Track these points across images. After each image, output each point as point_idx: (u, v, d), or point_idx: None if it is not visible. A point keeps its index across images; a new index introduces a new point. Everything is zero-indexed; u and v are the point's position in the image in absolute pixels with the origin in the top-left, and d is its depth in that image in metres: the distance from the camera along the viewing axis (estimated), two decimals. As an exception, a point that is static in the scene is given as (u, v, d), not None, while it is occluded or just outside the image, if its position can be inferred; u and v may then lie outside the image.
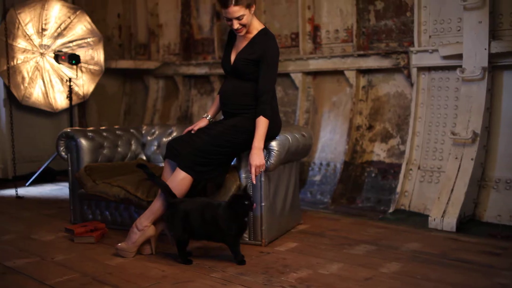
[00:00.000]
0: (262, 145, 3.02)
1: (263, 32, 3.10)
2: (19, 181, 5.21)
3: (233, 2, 2.93)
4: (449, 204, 3.58)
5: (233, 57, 3.15)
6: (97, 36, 5.81)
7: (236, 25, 3.01)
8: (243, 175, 3.19)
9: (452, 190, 3.62)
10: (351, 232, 3.52)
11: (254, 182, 3.03)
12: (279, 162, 3.15)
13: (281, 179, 3.39)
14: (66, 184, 5.31)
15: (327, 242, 3.29)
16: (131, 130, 4.18)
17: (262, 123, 3.01)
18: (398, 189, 4.04)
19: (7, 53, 4.98)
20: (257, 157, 2.99)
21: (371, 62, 4.44)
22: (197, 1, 5.85)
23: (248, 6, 2.99)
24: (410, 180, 4.06)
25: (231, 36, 3.25)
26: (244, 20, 3.00)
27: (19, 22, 5.35)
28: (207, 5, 5.76)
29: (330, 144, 4.72)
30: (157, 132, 4.17)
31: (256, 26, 3.11)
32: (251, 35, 3.11)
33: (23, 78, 5.44)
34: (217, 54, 5.63)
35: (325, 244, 3.23)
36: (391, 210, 3.98)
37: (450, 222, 3.51)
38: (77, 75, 5.55)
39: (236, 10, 2.95)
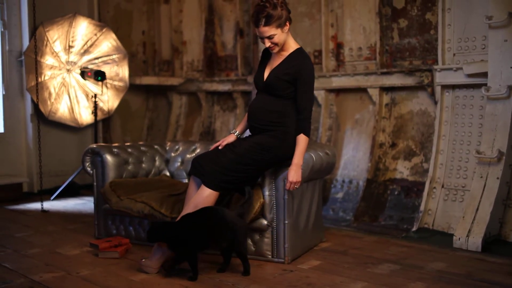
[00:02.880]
0: (301, 162, 3.07)
1: (299, 51, 3.16)
2: (44, 195, 5.29)
3: (263, 23, 2.99)
4: (474, 223, 3.54)
5: (266, 74, 3.20)
6: (122, 52, 5.91)
7: (267, 43, 3.07)
8: (266, 193, 3.20)
9: (477, 209, 3.58)
10: (374, 250, 3.50)
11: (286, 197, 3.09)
12: (303, 180, 3.15)
13: (305, 196, 3.40)
14: (90, 199, 5.39)
15: (350, 260, 3.27)
16: (155, 146, 4.23)
17: (302, 141, 3.07)
18: (422, 207, 4.00)
19: (36, 70, 5.10)
20: (294, 174, 3.03)
21: (395, 80, 4.44)
22: (221, 19, 5.92)
23: (279, 26, 3.04)
24: (433, 198, 4.02)
25: (266, 54, 3.30)
26: (275, 39, 3.05)
27: (47, 40, 5.47)
28: (230, 23, 5.82)
29: (353, 161, 4.71)
30: (181, 149, 4.21)
31: (292, 45, 3.16)
32: (286, 53, 3.16)
33: (49, 93, 5.55)
34: (240, 71, 5.68)
35: (348, 263, 3.22)
36: (414, 229, 3.94)
37: (476, 242, 3.46)
38: (102, 91, 5.65)
39: (266, 30, 3.01)
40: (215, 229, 2.88)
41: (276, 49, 3.11)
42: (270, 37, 3.04)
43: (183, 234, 2.88)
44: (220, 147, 3.19)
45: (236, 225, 2.90)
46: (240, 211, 3.00)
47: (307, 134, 3.09)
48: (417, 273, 3.00)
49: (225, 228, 2.88)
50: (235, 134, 3.30)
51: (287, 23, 3.09)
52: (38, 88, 5.33)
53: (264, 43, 3.10)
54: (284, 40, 3.11)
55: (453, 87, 4.09)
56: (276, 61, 3.19)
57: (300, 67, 3.09)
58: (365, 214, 4.36)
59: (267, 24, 3.00)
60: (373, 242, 3.73)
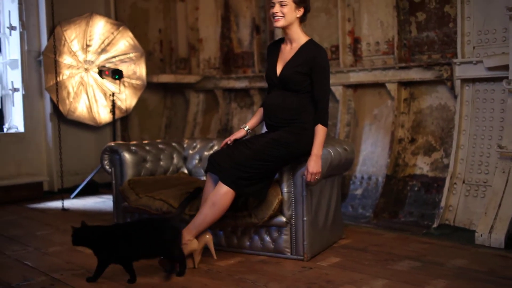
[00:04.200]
0: (320, 153, 3.05)
1: (311, 42, 3.15)
2: (64, 193, 5.34)
3: None
4: (497, 219, 3.48)
5: (279, 69, 3.17)
6: (139, 51, 5.94)
7: (276, 8, 3.04)
8: (285, 189, 3.18)
9: (499, 205, 3.52)
10: (394, 247, 3.46)
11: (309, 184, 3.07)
12: (322, 176, 3.12)
13: (323, 193, 3.37)
14: (109, 197, 5.43)
15: (370, 257, 3.24)
16: (173, 144, 4.23)
17: (320, 131, 3.05)
18: (442, 203, 3.95)
19: (56, 70, 5.13)
20: (314, 164, 3.02)
21: (413, 74, 4.38)
22: (237, 16, 5.91)
23: (295, 2, 3.04)
24: (454, 194, 3.97)
25: (272, 48, 3.28)
26: (285, 10, 3.04)
27: (65, 39, 5.52)
28: (247, 20, 5.81)
29: (372, 157, 4.67)
30: (198, 146, 4.21)
31: (302, 37, 3.15)
32: (297, 46, 3.13)
33: (68, 93, 5.60)
34: (257, 67, 5.66)
35: (368, 260, 3.19)
36: (435, 225, 3.89)
37: (498, 238, 3.41)
38: (120, 89, 5.68)
39: None
40: (150, 241, 2.84)
41: (281, 21, 3.06)
42: (282, 4, 3.02)
43: (116, 241, 2.82)
44: (229, 142, 3.19)
45: (169, 233, 2.87)
46: (180, 209, 3.00)
47: (325, 124, 3.07)
48: (438, 270, 2.96)
49: (160, 239, 2.84)
50: (245, 129, 3.29)
51: (302, 9, 3.08)
52: (57, 88, 5.38)
53: (272, 8, 3.06)
54: (292, 20, 3.08)
55: (473, 80, 4.02)
56: (288, 55, 3.16)
57: (315, 56, 3.07)
58: (384, 211, 4.32)
59: None
60: (393, 239, 3.69)
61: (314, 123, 3.08)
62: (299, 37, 3.14)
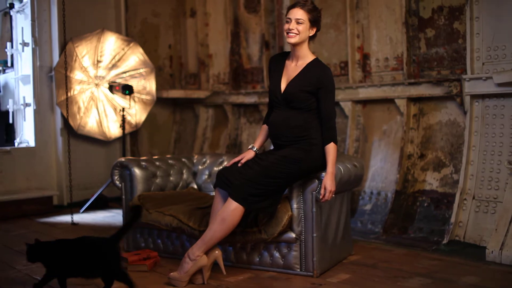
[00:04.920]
0: (334, 171, 3.08)
1: (317, 61, 3.17)
2: (74, 207, 5.37)
3: (303, 6, 3.07)
4: (508, 236, 3.45)
5: (283, 85, 3.18)
6: (149, 66, 5.99)
7: (293, 25, 3.07)
8: (294, 206, 3.18)
9: (510, 221, 3.50)
10: (404, 263, 3.44)
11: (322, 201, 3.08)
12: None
13: (333, 209, 3.37)
14: (118, 211, 5.44)
15: (380, 274, 3.23)
16: (183, 159, 4.25)
17: (332, 149, 3.09)
18: (452, 219, 3.93)
19: (66, 85, 5.19)
20: (331, 182, 3.05)
21: (422, 90, 4.39)
22: (247, 32, 5.96)
23: (311, 20, 3.09)
24: (464, 210, 3.95)
25: (274, 64, 3.29)
26: (301, 28, 3.07)
27: (77, 55, 5.58)
28: (256, 35, 5.85)
29: (381, 173, 4.66)
30: (208, 161, 4.23)
31: (309, 56, 3.17)
32: (303, 63, 3.16)
33: (79, 108, 5.65)
34: (266, 83, 5.69)
35: (378, 277, 3.17)
36: (445, 241, 3.87)
37: (509, 255, 3.38)
38: (130, 104, 5.72)
39: (301, 14, 3.06)
40: (84, 260, 2.79)
41: (295, 38, 3.09)
42: (298, 21, 3.06)
43: (53, 257, 2.81)
44: (239, 164, 3.17)
45: (106, 254, 2.80)
46: (120, 233, 2.88)
47: (335, 141, 3.11)
48: (449, 287, 2.94)
49: (94, 259, 2.79)
50: (254, 150, 3.28)
51: (314, 29, 3.12)
52: (68, 103, 5.43)
53: (288, 24, 3.09)
54: (305, 38, 3.12)
55: (483, 96, 4.02)
56: (292, 72, 3.18)
57: (322, 76, 3.09)
58: (394, 227, 4.30)
59: (306, 9, 3.07)
60: (403, 255, 3.67)
61: (324, 141, 3.10)
62: (306, 55, 3.17)
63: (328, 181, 3.04)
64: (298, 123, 3.12)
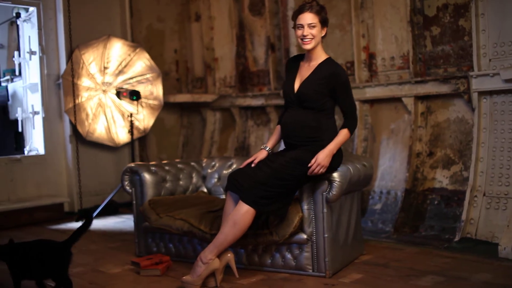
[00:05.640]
0: (334, 151, 3.08)
1: (329, 60, 3.20)
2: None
3: (311, 9, 3.07)
4: (520, 232, 3.45)
5: (297, 85, 3.20)
6: (155, 72, 6.01)
7: (306, 31, 3.08)
8: (305, 207, 3.19)
9: (521, 217, 3.50)
10: (416, 262, 3.44)
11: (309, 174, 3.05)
12: (341, 193, 3.13)
13: (343, 209, 3.38)
14: (129, 217, 5.47)
15: (392, 273, 3.22)
16: (192, 163, 4.27)
17: (343, 133, 3.12)
18: (463, 216, 3.92)
19: (74, 92, 5.22)
20: (324, 157, 3.04)
21: (429, 88, 4.39)
22: (252, 34, 5.97)
23: (322, 22, 3.11)
24: (475, 207, 3.94)
25: (291, 65, 3.32)
26: (314, 32, 3.09)
27: (83, 62, 5.61)
28: (261, 38, 5.86)
29: (390, 172, 4.66)
30: (217, 165, 4.24)
31: (322, 55, 3.20)
32: (316, 63, 3.17)
33: (87, 114, 5.68)
34: (272, 85, 5.70)
35: (390, 276, 3.17)
36: (456, 239, 3.86)
37: (522, 251, 3.37)
38: (137, 110, 5.75)
39: (311, 17, 3.08)
40: (36, 262, 2.87)
41: (311, 43, 3.11)
42: (311, 25, 3.07)
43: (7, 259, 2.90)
44: (252, 165, 3.19)
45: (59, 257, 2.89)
46: (74, 237, 2.95)
47: (350, 130, 3.13)
48: (463, 285, 2.94)
49: (46, 262, 2.87)
50: (266, 149, 3.30)
51: (325, 29, 3.15)
52: (76, 110, 5.47)
53: (302, 32, 3.10)
54: (319, 41, 3.14)
55: (491, 93, 4.01)
56: (305, 72, 3.20)
57: (333, 74, 3.11)
58: (405, 225, 4.30)
59: (315, 12, 3.08)
60: (415, 254, 3.67)
61: (340, 128, 3.14)
62: (319, 56, 3.19)
63: (322, 154, 3.04)
64: (310, 123, 3.13)
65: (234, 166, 4.12)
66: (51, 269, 2.86)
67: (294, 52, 5.29)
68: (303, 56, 3.29)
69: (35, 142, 5.93)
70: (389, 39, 4.73)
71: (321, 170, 3.03)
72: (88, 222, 3.03)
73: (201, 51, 6.57)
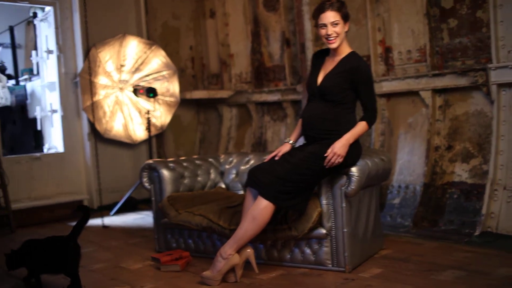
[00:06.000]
0: (351, 141, 3.07)
1: (352, 53, 3.19)
2: (104, 210, 5.45)
3: (333, 7, 3.06)
4: (541, 225, 3.41)
5: (320, 79, 3.21)
6: (171, 69, 6.04)
7: (330, 30, 3.08)
8: (324, 202, 3.19)
9: (543, 210, 3.46)
10: (436, 256, 3.42)
11: (326, 165, 3.03)
12: (360, 187, 3.13)
13: (362, 204, 3.37)
14: (148, 213, 5.51)
15: (412, 267, 3.21)
16: (210, 159, 4.29)
17: (361, 125, 3.13)
18: (484, 210, 3.89)
19: (91, 90, 5.26)
20: (341, 146, 3.03)
21: (447, 81, 4.35)
22: (267, 30, 5.97)
23: (344, 18, 3.10)
24: (496, 201, 3.90)
25: (316, 59, 3.33)
26: (338, 29, 3.09)
27: (100, 60, 5.66)
28: (276, 33, 5.86)
29: (408, 166, 4.63)
30: (234, 161, 4.26)
31: (346, 50, 3.19)
32: (339, 57, 3.17)
33: (104, 112, 5.73)
34: (288, 80, 5.70)
35: (411, 270, 3.16)
36: (477, 233, 3.83)
37: (543, 244, 3.34)
38: (154, 107, 5.78)
39: (334, 15, 3.07)
40: (49, 256, 3.03)
41: (336, 41, 3.11)
42: (334, 24, 3.06)
43: (23, 258, 3.08)
44: (276, 158, 3.21)
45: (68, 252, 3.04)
46: (76, 231, 3.09)
47: (369, 124, 3.13)
48: (484, 279, 2.92)
49: (56, 255, 3.03)
50: (290, 143, 3.32)
51: (348, 24, 3.14)
52: (93, 108, 5.51)
53: (326, 31, 3.09)
54: (342, 38, 3.14)
55: (510, 85, 3.96)
56: (329, 66, 3.21)
57: (355, 67, 3.11)
58: (424, 220, 4.28)
59: (336, 9, 3.07)
60: (435, 248, 3.65)
61: (359, 120, 3.14)
62: (343, 51, 3.19)
63: (338, 144, 3.03)
64: (330, 116, 3.14)
65: (252, 162, 4.12)
66: (60, 263, 3.02)
67: (309, 47, 5.28)
68: (329, 50, 3.29)
69: (54, 140, 6.00)
70: (405, 32, 4.69)
71: (338, 159, 3.02)
72: (86, 216, 3.17)
73: (217, 47, 6.58)
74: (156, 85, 5.84)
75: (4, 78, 6.82)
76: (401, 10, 4.69)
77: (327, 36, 3.11)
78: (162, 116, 5.99)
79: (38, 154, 5.76)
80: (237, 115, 6.44)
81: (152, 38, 6.33)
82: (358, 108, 3.27)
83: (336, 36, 3.10)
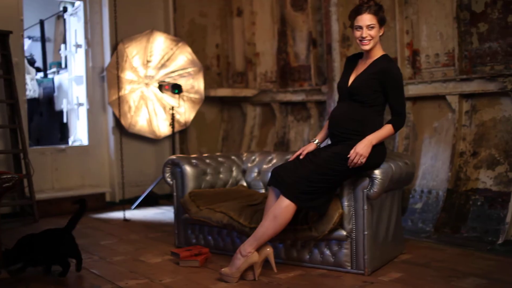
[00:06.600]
0: (374, 142, 3.04)
1: (384, 56, 3.18)
2: (125, 204, 5.50)
3: (370, 10, 3.06)
4: None
5: (351, 80, 3.22)
6: (197, 66, 6.07)
7: (365, 33, 3.07)
8: (345, 203, 3.17)
9: None
10: (458, 263, 3.38)
11: (349, 166, 3.02)
12: (382, 190, 3.10)
13: (384, 207, 3.34)
14: (168, 208, 5.55)
15: (433, 273, 3.17)
16: (232, 157, 4.30)
17: (387, 128, 3.11)
18: (508, 218, 3.82)
19: (118, 85, 5.32)
20: (363, 146, 3.01)
21: (475, 86, 4.29)
22: (294, 30, 5.96)
23: (380, 22, 3.10)
24: (520, 209, 3.83)
25: (350, 61, 3.34)
26: (373, 33, 3.08)
27: (127, 55, 5.71)
28: (303, 33, 5.84)
29: (432, 171, 4.58)
30: (257, 159, 4.26)
31: (378, 53, 3.19)
32: (371, 60, 3.17)
33: (129, 107, 5.78)
34: (313, 81, 5.68)
35: (431, 276, 3.12)
36: (500, 241, 3.77)
37: None
38: (179, 103, 5.82)
39: (370, 18, 3.06)
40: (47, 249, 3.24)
41: (370, 44, 3.10)
42: (370, 27, 3.06)
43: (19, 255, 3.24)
44: (301, 157, 3.21)
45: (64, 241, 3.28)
46: (72, 223, 3.34)
47: (395, 128, 3.10)
48: (506, 288, 2.87)
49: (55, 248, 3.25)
50: (315, 143, 3.32)
51: (383, 29, 3.14)
52: (119, 102, 5.57)
53: (360, 33, 3.09)
54: (376, 41, 3.13)
55: (540, 92, 3.90)
56: (361, 68, 3.22)
57: (385, 70, 3.10)
58: (446, 226, 4.22)
59: (373, 12, 3.06)
60: (456, 255, 3.60)
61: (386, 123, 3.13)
62: (376, 54, 3.19)
63: (361, 144, 3.01)
64: (356, 116, 3.13)
65: (274, 161, 4.12)
66: (55, 254, 3.25)
67: (336, 47, 5.25)
68: (362, 54, 3.29)
69: (79, 133, 6.08)
70: (434, 35, 4.64)
71: (361, 160, 3.00)
72: (82, 209, 3.37)
73: (243, 46, 6.59)
74: (181, 82, 5.88)
75: (33, 70, 6.95)
76: (430, 13, 4.64)
77: (362, 38, 3.10)
78: (186, 112, 6.02)
79: (63, 146, 5.84)
80: (260, 114, 6.44)
81: (179, 35, 6.37)
82: (388, 112, 3.25)
83: (370, 39, 3.09)
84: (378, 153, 3.10)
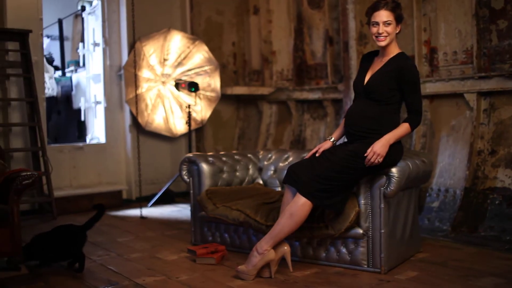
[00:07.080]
0: (392, 141, 3.04)
1: (400, 54, 3.18)
2: (142, 202, 5.55)
3: (387, 7, 3.07)
4: None
5: (367, 78, 3.22)
6: (213, 64, 6.09)
7: (382, 29, 3.08)
8: (362, 201, 3.17)
9: None
10: (475, 262, 3.35)
11: (366, 165, 3.03)
12: (399, 188, 3.09)
13: (401, 205, 3.33)
14: (185, 206, 5.58)
15: (450, 272, 3.15)
16: (249, 155, 4.31)
17: (403, 127, 3.10)
18: (527, 218, 3.79)
19: (135, 83, 5.36)
20: (381, 146, 3.01)
21: (494, 84, 4.24)
22: (310, 28, 5.95)
23: (397, 19, 3.10)
24: (540, 208, 3.79)
25: (366, 59, 3.34)
26: (389, 29, 3.08)
27: (144, 54, 5.75)
28: (320, 31, 5.83)
29: (449, 169, 4.55)
30: (273, 157, 4.26)
31: (394, 51, 3.18)
32: (387, 58, 3.17)
33: (146, 105, 5.82)
34: (330, 79, 5.66)
35: (448, 275, 3.10)
36: (519, 241, 3.74)
37: None
38: (195, 101, 5.84)
39: (387, 15, 3.07)
40: (61, 244, 3.35)
41: (386, 40, 3.10)
42: (387, 23, 3.06)
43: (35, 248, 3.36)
44: (317, 154, 3.21)
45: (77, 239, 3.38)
46: (88, 225, 3.45)
47: (412, 126, 3.10)
48: (525, 287, 2.85)
49: (68, 243, 3.35)
50: (331, 140, 3.31)
51: (400, 27, 3.13)
52: (137, 100, 5.61)
53: (377, 30, 3.09)
54: (393, 38, 3.13)
55: (560, 90, 3.84)
56: (377, 66, 3.21)
57: (402, 68, 3.09)
58: (463, 224, 4.19)
59: (390, 9, 3.07)
60: (474, 254, 3.57)
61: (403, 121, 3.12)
62: (392, 51, 3.18)
63: (378, 143, 3.01)
64: (372, 114, 3.12)
65: (291, 159, 4.12)
66: (70, 250, 3.35)
67: (353, 45, 5.23)
68: (378, 52, 3.29)
69: (97, 131, 6.14)
70: (452, 33, 4.60)
71: (378, 159, 3.00)
72: (101, 212, 3.50)
73: (259, 44, 6.59)
74: (198, 80, 5.90)
75: (51, 69, 7.02)
76: (448, 10, 4.60)
77: (378, 34, 3.10)
78: (202, 110, 6.04)
79: (80, 144, 5.91)
80: (277, 112, 6.44)
81: (196, 33, 6.40)
82: (404, 110, 3.23)
83: (387, 36, 3.09)
84: (395, 151, 3.09)
